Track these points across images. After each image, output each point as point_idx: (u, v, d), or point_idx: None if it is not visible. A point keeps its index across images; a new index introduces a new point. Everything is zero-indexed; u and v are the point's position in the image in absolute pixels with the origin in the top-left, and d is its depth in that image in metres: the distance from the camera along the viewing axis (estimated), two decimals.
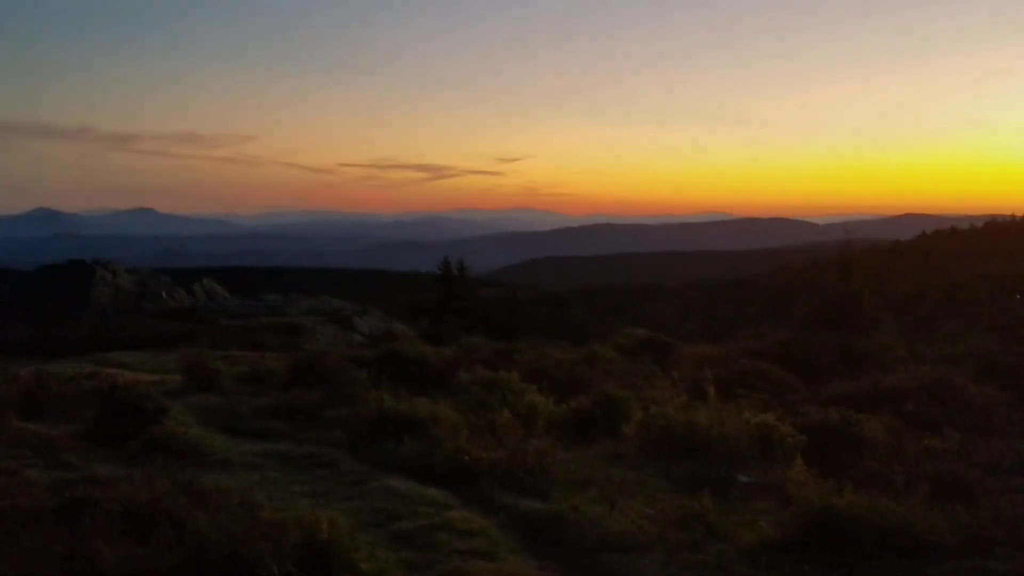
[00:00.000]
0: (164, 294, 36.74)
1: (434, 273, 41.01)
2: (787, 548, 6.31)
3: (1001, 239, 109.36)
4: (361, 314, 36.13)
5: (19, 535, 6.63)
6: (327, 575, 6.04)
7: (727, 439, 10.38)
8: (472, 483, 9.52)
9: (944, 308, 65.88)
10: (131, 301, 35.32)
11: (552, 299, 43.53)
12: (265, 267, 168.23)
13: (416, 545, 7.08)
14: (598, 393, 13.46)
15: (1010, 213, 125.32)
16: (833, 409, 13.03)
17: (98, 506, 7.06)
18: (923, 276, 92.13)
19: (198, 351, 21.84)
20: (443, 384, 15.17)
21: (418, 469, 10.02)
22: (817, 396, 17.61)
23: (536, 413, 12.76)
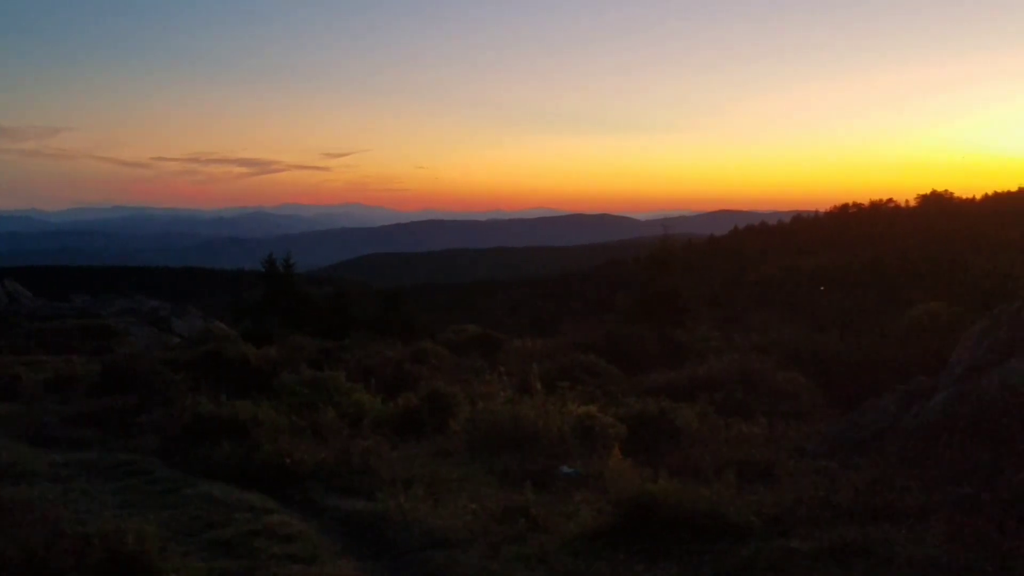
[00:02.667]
0: None
1: (258, 271, 39.69)
2: (606, 536, 6.47)
3: (806, 234, 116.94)
4: (179, 314, 34.65)
5: None
6: None
7: (552, 431, 10.57)
8: (294, 486, 9.32)
9: (756, 300, 69.78)
10: None
11: (382, 296, 43.09)
12: (74, 266, 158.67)
13: (233, 553, 6.80)
14: (426, 390, 13.44)
15: (814, 209, 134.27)
16: (652, 399, 13.53)
17: None
18: (737, 269, 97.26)
19: None
20: (266, 385, 14.71)
21: (237, 474, 9.68)
22: (638, 386, 18.26)
23: (363, 412, 12.61)
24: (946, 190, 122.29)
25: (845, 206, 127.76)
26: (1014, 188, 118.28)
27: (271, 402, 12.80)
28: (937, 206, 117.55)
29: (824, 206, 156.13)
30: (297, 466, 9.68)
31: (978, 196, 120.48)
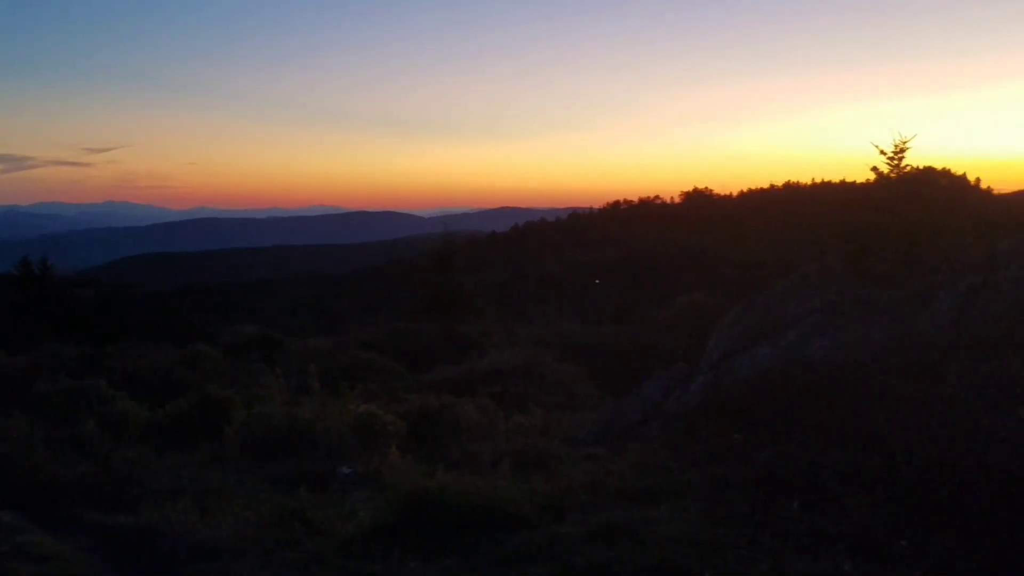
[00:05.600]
0: None
1: (11, 274, 36.57)
2: (384, 535, 6.42)
3: (582, 230, 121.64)
4: None
5: None
6: None
7: (331, 432, 10.41)
8: (51, 503, 8.65)
9: (537, 294, 71.85)
10: None
11: (152, 298, 40.93)
12: None
13: None
14: (198, 395, 12.88)
15: (589, 206, 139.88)
16: (434, 395, 13.64)
17: None
18: (519, 265, 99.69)
19: None
20: (19, 396, 13.59)
21: None
22: (422, 382, 18.36)
23: (128, 421, 11.93)
24: (707, 187, 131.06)
25: (617, 203, 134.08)
26: (766, 185, 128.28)
27: (26, 415, 11.83)
28: (699, 202, 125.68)
29: (599, 203, 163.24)
30: (54, 481, 9.00)
31: (735, 193, 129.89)
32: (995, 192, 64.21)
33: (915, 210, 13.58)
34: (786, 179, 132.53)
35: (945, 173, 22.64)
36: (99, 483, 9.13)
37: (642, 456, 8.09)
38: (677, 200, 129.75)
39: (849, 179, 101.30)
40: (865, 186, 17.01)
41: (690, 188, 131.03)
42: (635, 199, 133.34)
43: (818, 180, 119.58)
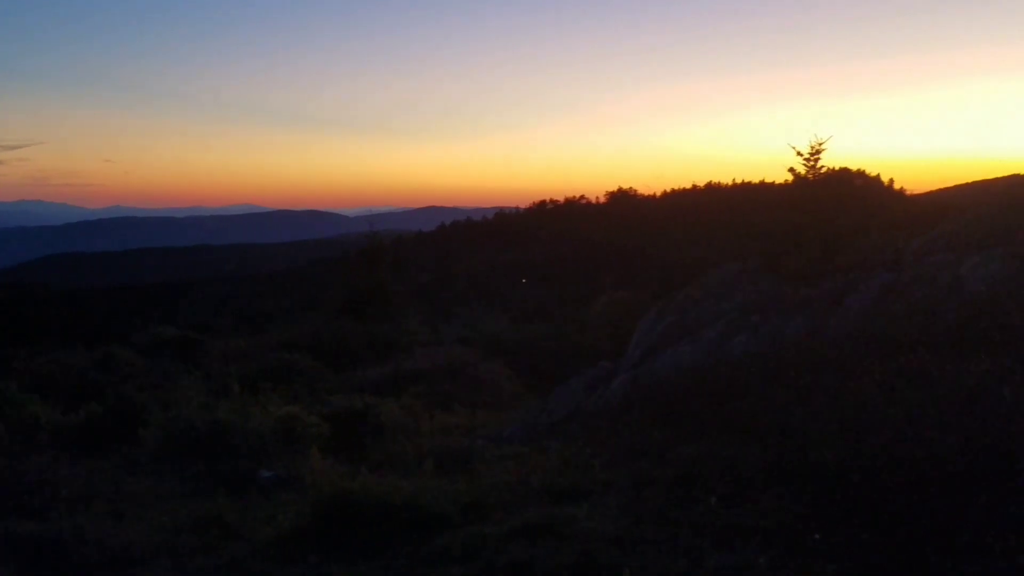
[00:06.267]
0: None
1: None
2: (304, 538, 6.34)
3: (509, 229, 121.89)
4: None
5: None
6: None
7: (251, 435, 10.23)
8: None
9: (464, 293, 71.74)
10: None
11: (66, 298, 39.75)
12: None
13: None
14: (112, 398, 12.53)
15: (515, 205, 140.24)
16: (358, 396, 13.51)
17: None
18: (445, 264, 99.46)
19: None
20: None
21: None
22: (346, 383, 18.16)
23: (39, 425, 11.53)
24: (631, 188, 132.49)
25: (543, 203, 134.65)
26: (689, 185, 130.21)
27: None
28: (624, 202, 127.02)
29: (525, 203, 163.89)
30: None
31: (658, 193, 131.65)
32: (907, 192, 66.29)
33: (831, 210, 13.96)
34: (708, 180, 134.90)
35: (860, 174, 23.37)
36: (7, 489, 8.80)
37: (565, 454, 8.14)
38: (602, 200, 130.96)
39: (769, 180, 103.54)
40: (784, 187, 17.41)
41: (615, 188, 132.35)
42: (561, 199, 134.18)
43: (739, 181, 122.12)
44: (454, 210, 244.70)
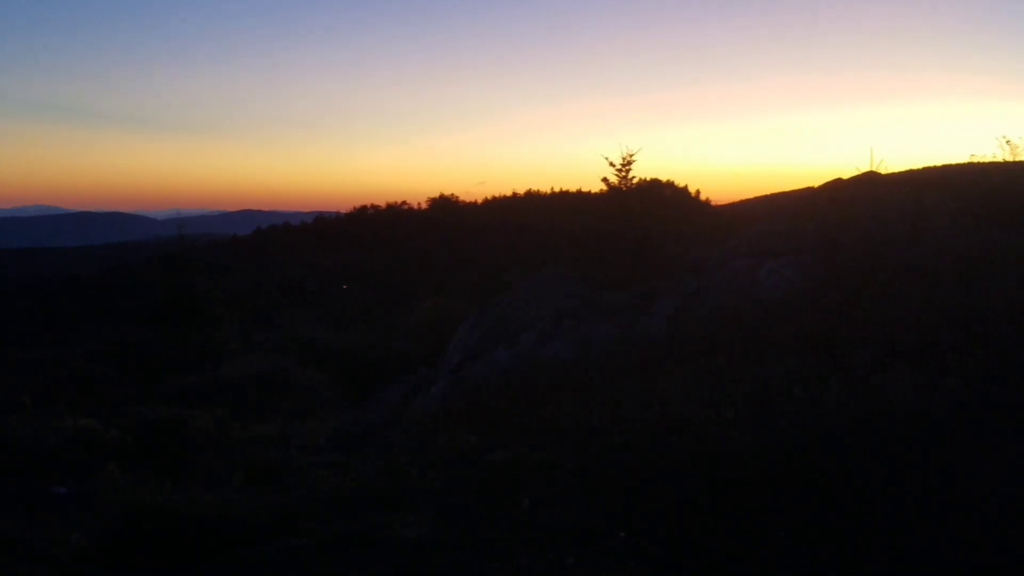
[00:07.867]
0: None
1: None
2: (104, 557, 5.98)
3: (329, 234, 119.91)
4: None
5: None
6: None
7: (43, 450, 9.57)
8: None
9: (282, 299, 69.96)
10: None
11: None
12: None
13: None
14: None
15: (336, 210, 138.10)
16: (165, 406, 12.92)
17: None
18: (262, 269, 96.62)
19: None
20: None
21: None
22: (154, 394, 17.34)
23: None
24: (452, 194, 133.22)
25: (364, 207, 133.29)
26: (509, 193, 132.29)
27: None
28: (446, 209, 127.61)
29: (346, 207, 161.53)
30: None
31: (480, 200, 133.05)
32: (712, 203, 69.90)
33: (640, 219, 14.56)
34: (527, 187, 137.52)
35: (669, 185, 24.46)
36: None
37: (382, 462, 8.08)
38: (424, 206, 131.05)
39: (585, 189, 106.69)
40: (598, 196, 18.02)
41: (437, 195, 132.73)
42: (383, 204, 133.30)
43: (557, 189, 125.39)
44: (271, 214, 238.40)
